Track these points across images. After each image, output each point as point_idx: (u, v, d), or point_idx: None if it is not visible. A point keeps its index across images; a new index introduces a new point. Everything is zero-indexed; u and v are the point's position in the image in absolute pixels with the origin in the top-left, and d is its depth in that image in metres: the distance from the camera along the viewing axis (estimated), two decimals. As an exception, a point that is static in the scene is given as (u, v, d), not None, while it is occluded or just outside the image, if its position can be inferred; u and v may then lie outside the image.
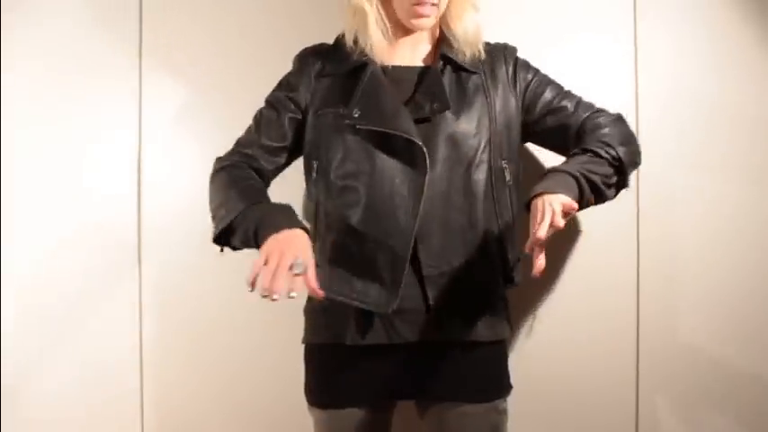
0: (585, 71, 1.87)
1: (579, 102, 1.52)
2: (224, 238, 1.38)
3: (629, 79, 1.88)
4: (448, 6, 1.41)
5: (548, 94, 1.49)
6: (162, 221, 1.87)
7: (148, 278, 1.86)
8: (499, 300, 1.45)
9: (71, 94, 1.86)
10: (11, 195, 1.84)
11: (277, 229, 1.26)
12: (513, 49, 1.52)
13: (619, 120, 1.49)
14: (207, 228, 1.87)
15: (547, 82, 1.52)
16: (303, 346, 1.49)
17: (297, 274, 1.20)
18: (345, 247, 1.35)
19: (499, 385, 1.45)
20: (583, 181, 1.36)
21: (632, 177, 1.83)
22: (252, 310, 1.86)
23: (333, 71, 1.42)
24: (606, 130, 1.44)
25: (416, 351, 1.38)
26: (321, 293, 1.21)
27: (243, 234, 1.32)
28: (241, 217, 1.32)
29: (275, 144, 1.44)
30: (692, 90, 1.89)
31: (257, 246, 1.28)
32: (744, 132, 1.89)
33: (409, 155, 1.34)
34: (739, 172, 1.89)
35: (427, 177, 1.32)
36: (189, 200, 1.88)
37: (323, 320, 1.43)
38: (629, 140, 1.47)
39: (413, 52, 1.45)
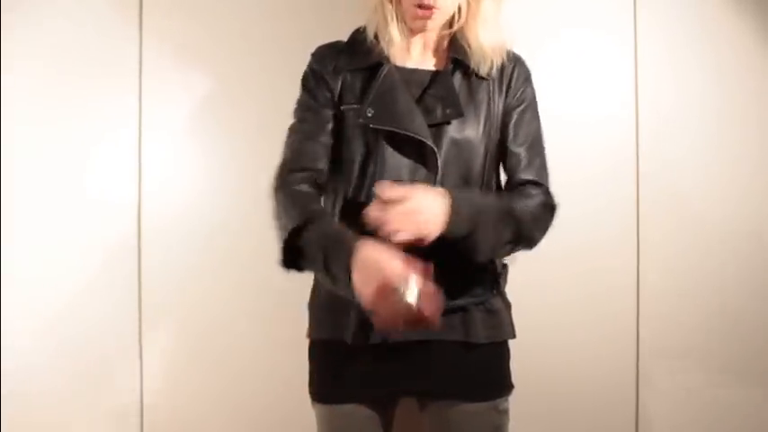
0: (585, 71, 1.88)
1: (537, 161, 1.48)
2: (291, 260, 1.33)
3: (629, 79, 1.88)
4: (467, 17, 1.41)
5: (521, 131, 1.46)
6: (162, 222, 1.87)
7: (148, 278, 1.86)
8: (499, 302, 1.45)
9: (71, 94, 1.85)
10: (11, 196, 1.83)
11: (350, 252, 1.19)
12: (526, 66, 1.51)
13: (548, 207, 1.45)
14: (207, 228, 1.88)
15: (530, 119, 1.48)
16: (304, 344, 1.49)
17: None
18: None
19: (500, 385, 1.45)
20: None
21: (632, 176, 1.83)
22: (252, 310, 1.86)
23: (348, 67, 1.42)
24: (533, 208, 1.41)
25: (417, 349, 1.38)
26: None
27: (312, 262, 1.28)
28: (305, 241, 1.29)
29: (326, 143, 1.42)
30: (692, 89, 1.89)
31: (329, 269, 1.23)
32: (744, 131, 1.90)
33: (420, 156, 1.36)
34: (740, 171, 1.90)
35: (438, 178, 1.34)
36: (189, 200, 1.88)
37: (325, 317, 1.43)
38: (541, 230, 1.44)
39: (424, 55, 1.45)
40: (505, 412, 1.45)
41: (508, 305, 1.49)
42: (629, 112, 1.88)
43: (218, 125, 1.88)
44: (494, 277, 1.44)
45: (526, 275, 1.84)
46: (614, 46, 1.89)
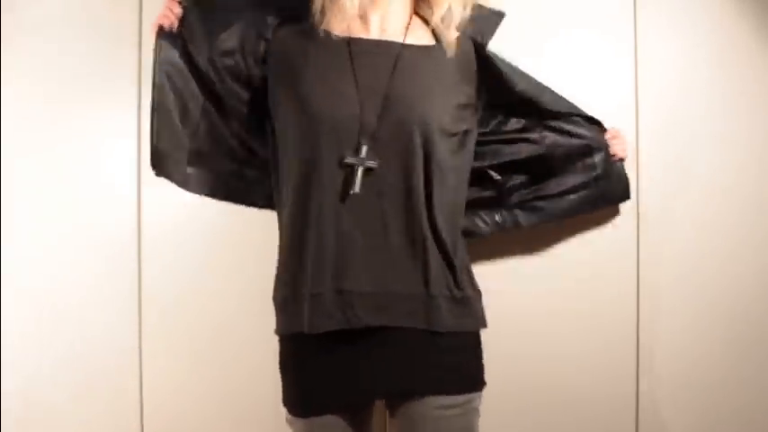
0: (585, 71, 1.87)
1: None
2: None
3: (629, 79, 1.88)
4: None
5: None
6: (162, 222, 1.87)
7: (148, 279, 1.86)
8: (469, 289, 1.39)
9: (71, 94, 1.85)
10: (11, 197, 1.84)
11: None
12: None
13: None
14: (207, 229, 1.88)
15: None
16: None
17: None
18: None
19: (471, 379, 1.37)
20: None
21: (632, 177, 1.83)
22: (252, 311, 1.86)
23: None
24: None
25: (381, 343, 1.32)
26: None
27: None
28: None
29: None
30: (693, 90, 1.89)
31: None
32: (744, 132, 1.89)
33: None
34: (740, 172, 1.89)
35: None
36: (189, 201, 1.87)
37: (285, 308, 1.39)
38: None
39: (383, 24, 1.37)
40: (475, 410, 1.38)
41: (479, 293, 1.43)
42: (629, 113, 1.88)
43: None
44: (462, 262, 1.38)
45: (526, 276, 1.84)
46: (615, 47, 1.88)
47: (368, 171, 1.30)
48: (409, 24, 1.38)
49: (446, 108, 1.35)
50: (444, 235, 1.34)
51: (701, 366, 1.90)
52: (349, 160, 1.30)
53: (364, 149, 1.30)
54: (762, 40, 1.90)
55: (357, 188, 1.30)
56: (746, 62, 1.90)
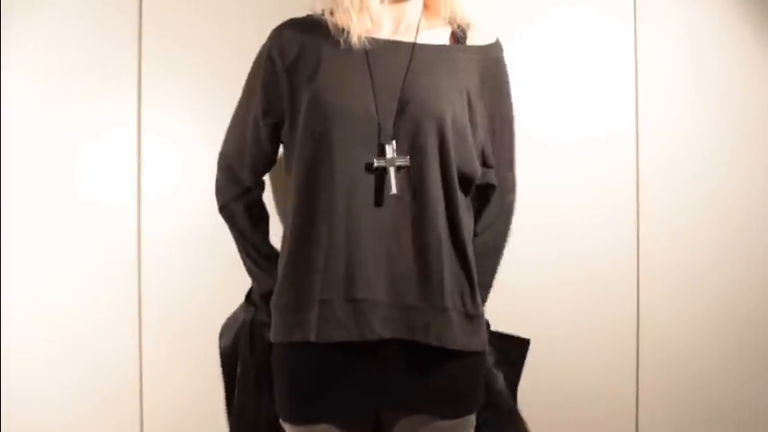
0: (585, 71, 1.87)
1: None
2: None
3: (629, 80, 1.88)
4: None
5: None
6: (162, 223, 1.86)
7: (148, 279, 1.86)
8: (479, 306, 1.32)
9: (70, 95, 1.84)
10: (12, 197, 1.83)
11: None
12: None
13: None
14: (207, 230, 1.88)
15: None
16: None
17: None
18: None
19: (473, 404, 1.32)
20: None
21: (632, 176, 1.84)
22: (252, 311, 1.86)
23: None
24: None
25: (385, 352, 1.26)
26: None
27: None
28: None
29: None
30: (693, 90, 1.89)
31: None
32: (744, 132, 1.90)
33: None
34: (740, 172, 1.90)
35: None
36: (189, 201, 1.87)
37: (291, 317, 1.30)
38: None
39: (396, 23, 1.34)
40: (473, 425, 1.35)
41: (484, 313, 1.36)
42: (630, 113, 1.88)
43: (219, 125, 1.88)
44: (475, 276, 1.32)
45: (526, 276, 1.84)
46: (614, 47, 1.89)
47: (398, 169, 1.24)
48: (420, 23, 1.34)
49: (462, 109, 1.30)
50: (464, 244, 1.29)
51: (701, 366, 1.91)
52: (379, 163, 1.25)
53: (390, 149, 1.25)
54: (761, 40, 1.91)
55: (394, 189, 1.24)
56: (748, 63, 1.90)
